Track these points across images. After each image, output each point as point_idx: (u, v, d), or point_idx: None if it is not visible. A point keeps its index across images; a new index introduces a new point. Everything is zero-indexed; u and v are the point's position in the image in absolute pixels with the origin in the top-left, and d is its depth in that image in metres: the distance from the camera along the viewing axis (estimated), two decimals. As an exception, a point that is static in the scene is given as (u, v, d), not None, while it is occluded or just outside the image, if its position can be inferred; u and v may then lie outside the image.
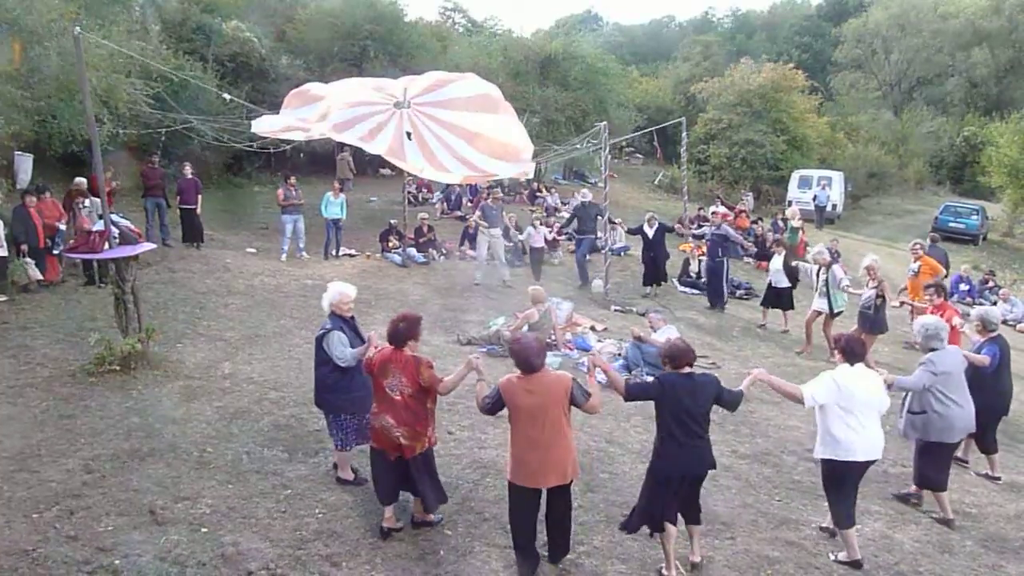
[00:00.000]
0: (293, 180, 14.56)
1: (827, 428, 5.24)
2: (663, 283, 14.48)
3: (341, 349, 5.54)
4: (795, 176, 27.50)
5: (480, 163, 9.22)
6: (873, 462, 5.35)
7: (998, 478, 7.12)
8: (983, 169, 29.16)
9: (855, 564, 5.27)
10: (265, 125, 9.97)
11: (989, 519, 6.21)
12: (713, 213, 15.48)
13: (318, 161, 22.43)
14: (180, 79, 14.69)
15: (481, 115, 9.63)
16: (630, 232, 16.12)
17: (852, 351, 5.31)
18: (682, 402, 4.79)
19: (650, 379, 5.73)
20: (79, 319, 9.38)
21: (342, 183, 17.41)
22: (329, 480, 5.86)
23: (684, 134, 19.63)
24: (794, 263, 12.33)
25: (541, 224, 14.77)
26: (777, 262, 12.49)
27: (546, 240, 15.40)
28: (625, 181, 29.26)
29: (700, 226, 15.78)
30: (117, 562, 4.57)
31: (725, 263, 13.25)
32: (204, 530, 5.00)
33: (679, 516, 5.00)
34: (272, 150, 20.58)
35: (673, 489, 4.87)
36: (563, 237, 16.70)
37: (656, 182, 30.72)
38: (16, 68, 10.79)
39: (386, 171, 25.34)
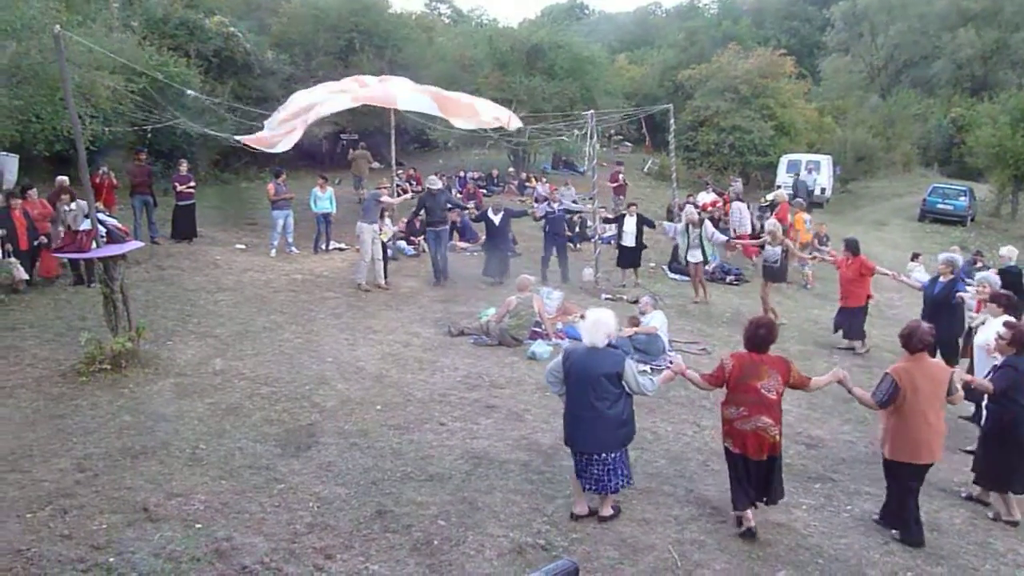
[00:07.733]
0: (284, 175, 14.51)
1: None
2: (506, 275, 12.98)
3: (648, 381, 5.39)
4: (783, 161, 27.55)
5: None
6: None
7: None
8: (970, 150, 29.31)
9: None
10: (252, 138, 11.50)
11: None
12: (553, 192, 14.52)
13: (306, 156, 22.38)
14: (165, 76, 14.62)
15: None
16: (475, 220, 15.08)
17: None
18: None
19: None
20: (68, 319, 9.37)
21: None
22: (322, 474, 5.88)
23: (672, 121, 19.61)
24: (658, 223, 14.47)
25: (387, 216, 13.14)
26: (630, 224, 13.61)
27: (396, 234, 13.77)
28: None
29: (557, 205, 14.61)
30: (111, 560, 4.59)
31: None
32: (198, 526, 5.02)
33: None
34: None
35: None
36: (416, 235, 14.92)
37: (645, 170, 30.75)
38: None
39: (375, 164, 25.29)
